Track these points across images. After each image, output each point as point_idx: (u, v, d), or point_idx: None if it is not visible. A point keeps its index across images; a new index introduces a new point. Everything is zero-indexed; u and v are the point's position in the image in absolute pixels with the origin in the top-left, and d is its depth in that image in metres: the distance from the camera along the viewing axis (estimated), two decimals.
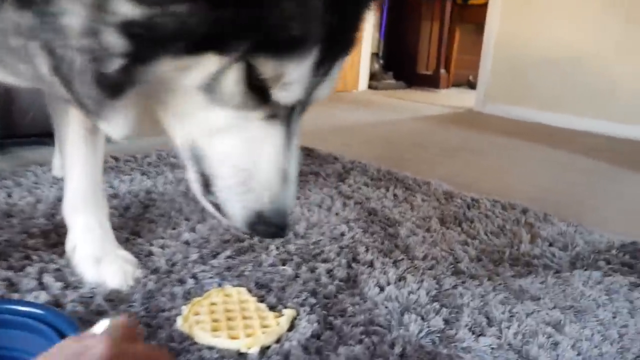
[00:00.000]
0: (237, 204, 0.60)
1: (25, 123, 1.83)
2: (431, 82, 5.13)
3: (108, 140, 0.96)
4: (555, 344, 0.87)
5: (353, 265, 1.08)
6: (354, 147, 2.31)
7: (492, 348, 0.84)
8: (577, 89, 3.38)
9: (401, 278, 1.04)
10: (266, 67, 0.52)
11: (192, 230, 1.19)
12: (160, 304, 0.88)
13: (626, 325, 0.95)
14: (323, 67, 0.55)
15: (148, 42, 0.49)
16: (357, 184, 1.64)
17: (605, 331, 0.92)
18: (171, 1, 0.47)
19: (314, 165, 1.82)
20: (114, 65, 0.51)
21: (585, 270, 1.15)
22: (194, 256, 1.06)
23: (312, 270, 1.04)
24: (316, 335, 0.82)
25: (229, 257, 1.07)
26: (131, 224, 1.20)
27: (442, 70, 5.17)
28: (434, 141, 2.67)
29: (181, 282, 0.96)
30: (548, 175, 2.14)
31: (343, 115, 3.31)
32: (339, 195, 1.52)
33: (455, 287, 1.02)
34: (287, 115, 0.59)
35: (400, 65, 5.15)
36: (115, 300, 0.88)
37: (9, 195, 1.36)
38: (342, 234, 1.23)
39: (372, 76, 4.92)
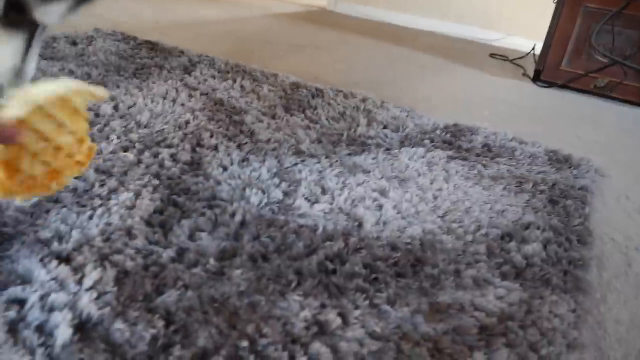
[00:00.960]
0: None
1: None
2: None
3: None
4: (380, 206, 1.00)
5: (197, 149, 1.11)
6: (200, 43, 2.25)
7: (325, 212, 0.95)
8: None
9: (244, 159, 1.10)
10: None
11: None
12: None
13: (440, 189, 1.12)
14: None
15: None
16: (203, 76, 1.63)
17: (423, 194, 1.08)
18: None
19: (157, 59, 1.76)
20: None
21: (412, 147, 1.31)
22: None
23: (155, 155, 1.05)
24: (159, 211, 0.86)
25: None
26: None
27: None
28: (284, 38, 2.69)
29: None
30: (389, 70, 2.30)
31: (189, 11, 3.16)
32: (184, 87, 1.51)
33: (295, 165, 1.11)
34: (30, 27, 0.67)
35: None
36: None
37: None
38: (187, 122, 1.25)
39: None
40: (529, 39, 3.14)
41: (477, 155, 1.34)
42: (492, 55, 2.91)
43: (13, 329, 0.60)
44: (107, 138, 1.10)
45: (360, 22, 3.56)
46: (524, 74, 2.52)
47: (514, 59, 2.80)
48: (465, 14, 3.43)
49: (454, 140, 1.40)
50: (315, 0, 4.34)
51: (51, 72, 1.46)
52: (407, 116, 1.52)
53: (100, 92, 0.68)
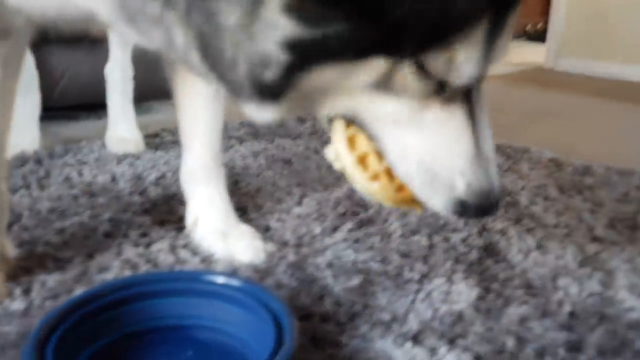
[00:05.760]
0: (428, 195, 0.68)
1: (55, 95, 1.99)
2: None
3: None
4: None
5: (484, 234, 1.26)
6: None
7: None
8: None
9: (539, 245, 1.21)
10: (435, 57, 0.58)
11: (299, 204, 1.38)
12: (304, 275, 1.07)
13: None
14: (494, 33, 0.59)
15: (309, 56, 0.57)
16: None
17: None
18: (331, 20, 0.54)
19: None
20: (271, 73, 0.58)
21: None
22: (317, 230, 1.24)
23: (447, 240, 1.22)
24: (481, 297, 1.01)
25: (351, 229, 1.26)
26: (234, 199, 1.37)
27: None
28: (511, 104, 2.82)
29: (317, 252, 1.14)
30: None
31: None
32: None
33: (597, 253, 1.20)
34: (465, 94, 0.65)
35: None
36: (261, 272, 1.07)
37: (80, 174, 1.55)
38: None
39: None
40: None
41: None
42: None
43: None
44: (386, 221, 1.30)
45: (592, 80, 3.59)
46: None
47: None
48: None
49: None
50: (526, 56, 4.47)
51: None
52: None
53: None
